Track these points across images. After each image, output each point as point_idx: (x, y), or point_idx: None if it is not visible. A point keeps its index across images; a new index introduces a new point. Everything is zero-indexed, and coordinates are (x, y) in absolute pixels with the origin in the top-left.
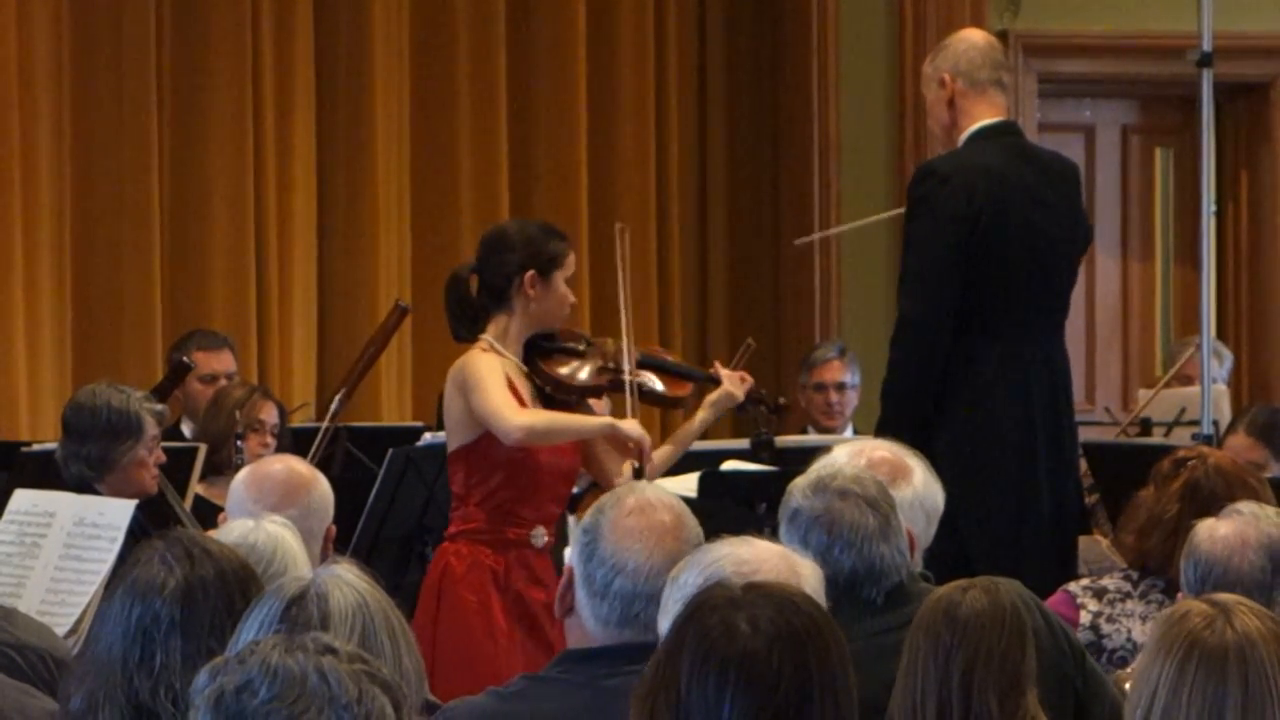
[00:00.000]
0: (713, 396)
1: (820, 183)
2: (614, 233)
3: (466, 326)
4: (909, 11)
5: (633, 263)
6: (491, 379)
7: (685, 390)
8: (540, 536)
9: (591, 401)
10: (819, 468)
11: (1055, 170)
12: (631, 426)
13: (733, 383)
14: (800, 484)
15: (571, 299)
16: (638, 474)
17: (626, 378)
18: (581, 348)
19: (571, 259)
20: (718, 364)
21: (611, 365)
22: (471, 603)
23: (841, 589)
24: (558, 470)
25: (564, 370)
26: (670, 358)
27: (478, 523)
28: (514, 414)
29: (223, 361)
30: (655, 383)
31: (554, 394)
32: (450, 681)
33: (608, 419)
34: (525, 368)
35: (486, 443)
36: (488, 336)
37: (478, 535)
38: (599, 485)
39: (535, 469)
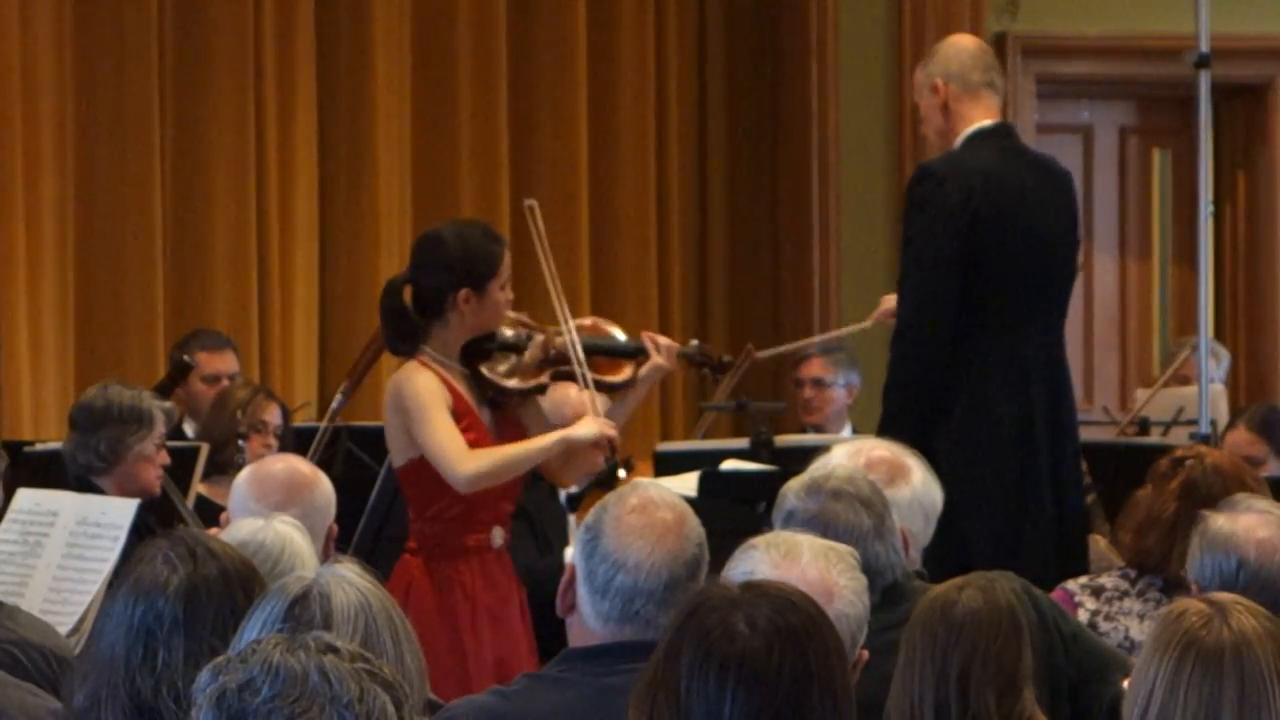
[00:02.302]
0: (642, 371)
1: (820, 183)
2: (525, 212)
3: (404, 340)
4: (908, 13)
5: (633, 262)
6: (433, 407)
7: (627, 372)
8: (498, 536)
9: (581, 397)
10: (814, 468)
11: (1051, 173)
12: (585, 430)
13: (662, 355)
14: (794, 485)
15: (508, 299)
16: (611, 469)
17: (577, 370)
18: (522, 342)
19: (507, 261)
20: (645, 334)
21: (553, 356)
22: (437, 618)
23: None
24: None
25: (504, 370)
26: (604, 335)
27: (437, 535)
28: (460, 461)
29: (225, 362)
30: (597, 371)
31: (496, 399)
32: None
33: (560, 435)
34: (467, 370)
35: None
36: (429, 350)
37: (439, 547)
38: (597, 485)
39: None
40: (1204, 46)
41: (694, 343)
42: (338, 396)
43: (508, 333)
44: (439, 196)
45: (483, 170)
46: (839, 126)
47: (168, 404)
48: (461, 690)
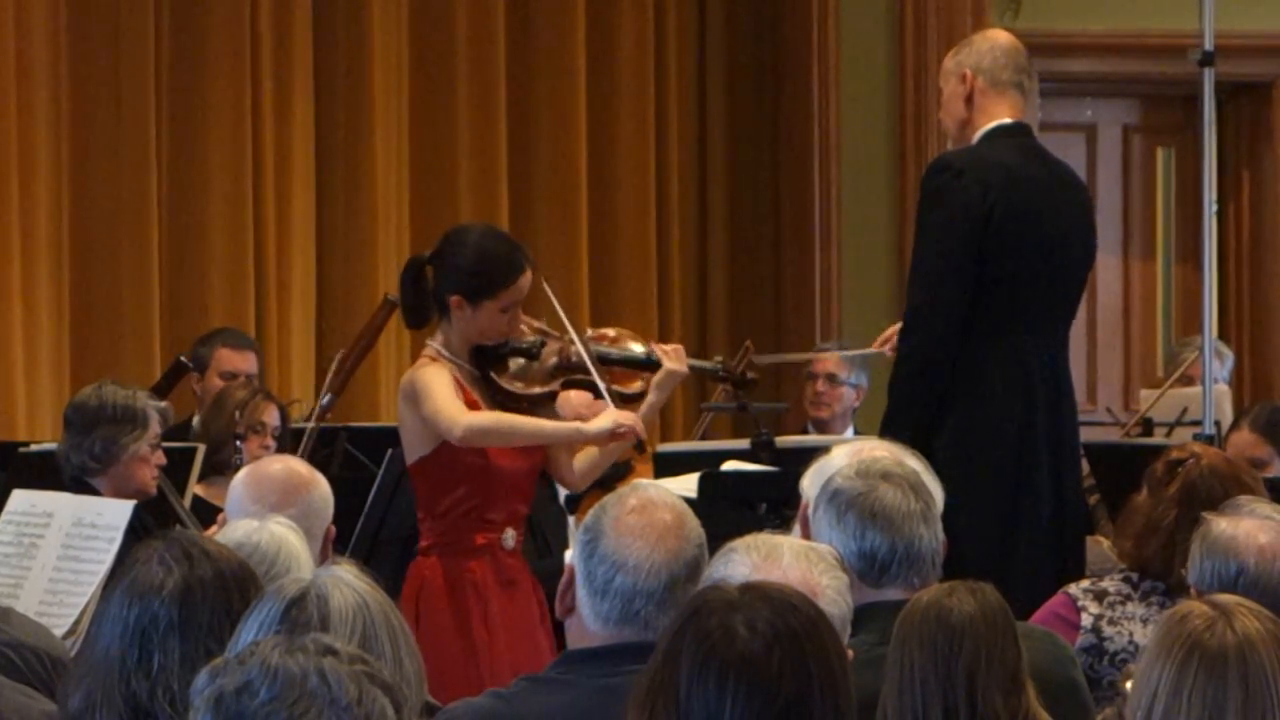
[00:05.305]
0: (656, 379)
1: (820, 184)
2: (542, 283)
3: (414, 314)
4: (909, 13)
5: (634, 262)
6: (437, 384)
7: (639, 384)
8: (510, 538)
9: (581, 398)
10: (821, 462)
11: (1068, 178)
12: (600, 423)
13: (672, 360)
14: (842, 467)
15: (510, 324)
16: (639, 448)
17: (595, 375)
18: (535, 348)
19: (516, 288)
20: (653, 343)
21: (567, 364)
22: (450, 619)
23: (879, 569)
24: (519, 470)
25: (514, 375)
26: (616, 347)
27: (448, 534)
28: (460, 415)
29: (246, 361)
30: (612, 382)
31: (505, 403)
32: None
33: (573, 425)
34: (478, 373)
35: (446, 453)
36: (434, 343)
37: (450, 546)
38: (598, 486)
39: (497, 472)
40: (1208, 44)
41: (717, 359)
42: (327, 396)
43: (522, 339)
44: (436, 199)
45: (481, 172)
46: (839, 127)
47: (163, 404)
48: (475, 690)
